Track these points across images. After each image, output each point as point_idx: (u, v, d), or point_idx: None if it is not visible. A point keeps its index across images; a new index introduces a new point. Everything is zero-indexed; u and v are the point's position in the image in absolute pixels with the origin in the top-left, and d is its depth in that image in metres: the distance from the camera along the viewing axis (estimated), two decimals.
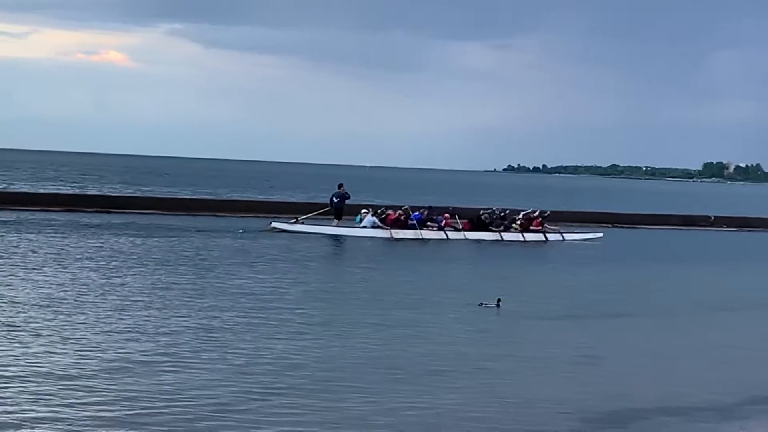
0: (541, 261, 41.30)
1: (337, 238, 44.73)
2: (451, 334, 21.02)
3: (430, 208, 49.90)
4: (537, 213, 51.52)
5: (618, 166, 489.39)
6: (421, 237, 46.28)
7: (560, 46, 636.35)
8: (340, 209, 48.21)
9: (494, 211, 50.28)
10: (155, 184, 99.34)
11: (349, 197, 49.22)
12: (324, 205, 50.93)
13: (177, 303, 22.57)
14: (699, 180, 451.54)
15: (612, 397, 16.07)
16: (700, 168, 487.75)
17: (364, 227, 46.55)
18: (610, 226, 59.63)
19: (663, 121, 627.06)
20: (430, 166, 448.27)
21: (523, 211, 52.50)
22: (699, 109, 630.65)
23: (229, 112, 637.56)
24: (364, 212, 47.66)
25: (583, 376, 17.73)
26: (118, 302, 22.23)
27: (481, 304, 24.85)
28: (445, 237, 47.05)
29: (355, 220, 47.57)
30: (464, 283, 30.54)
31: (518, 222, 50.01)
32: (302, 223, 46.61)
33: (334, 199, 48.98)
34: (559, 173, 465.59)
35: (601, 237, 51.33)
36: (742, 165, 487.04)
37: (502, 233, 48.54)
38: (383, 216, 47.18)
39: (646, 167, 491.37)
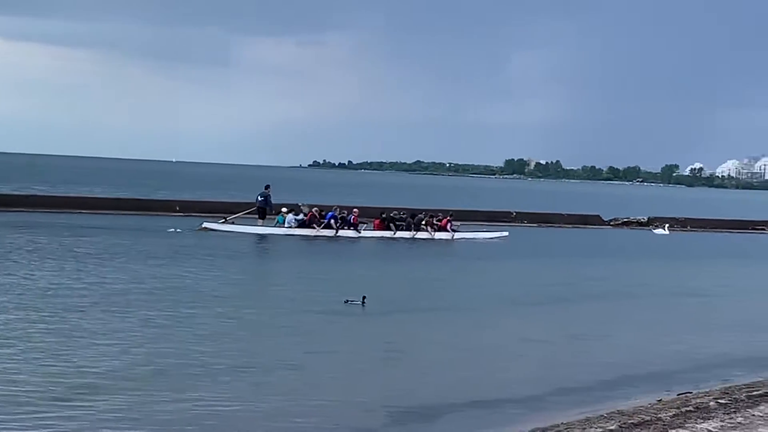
0: (437, 258, 42.21)
1: (261, 237, 46.62)
2: (277, 332, 20.99)
3: (339, 207, 51.81)
4: (440, 215, 53.49)
5: (422, 162, 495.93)
6: (337, 235, 48.52)
7: (369, 43, 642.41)
8: (263, 209, 50.66)
9: (401, 211, 53.33)
10: None
11: (269, 196, 51.34)
12: (251, 205, 52.45)
13: None
14: (501, 176, 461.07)
15: (416, 392, 16.21)
16: (501, 165, 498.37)
17: (289, 226, 48.59)
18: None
19: (466, 119, 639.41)
20: (236, 161, 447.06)
21: (430, 211, 54.62)
22: (501, 107, 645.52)
23: (31, 106, 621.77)
24: (285, 211, 49.72)
25: (392, 371, 17.87)
26: None
27: (347, 301, 25.01)
28: (358, 235, 49.31)
29: (277, 219, 49.42)
30: (347, 280, 30.84)
31: (426, 222, 51.97)
32: (232, 222, 48.63)
33: (258, 198, 51.48)
34: (365, 169, 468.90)
35: (506, 236, 53.93)
36: (542, 162, 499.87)
37: (413, 232, 50.84)
38: (303, 215, 49.47)
39: (450, 164, 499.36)
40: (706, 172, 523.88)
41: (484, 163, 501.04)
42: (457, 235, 52.27)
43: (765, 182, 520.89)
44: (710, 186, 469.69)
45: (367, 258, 41.02)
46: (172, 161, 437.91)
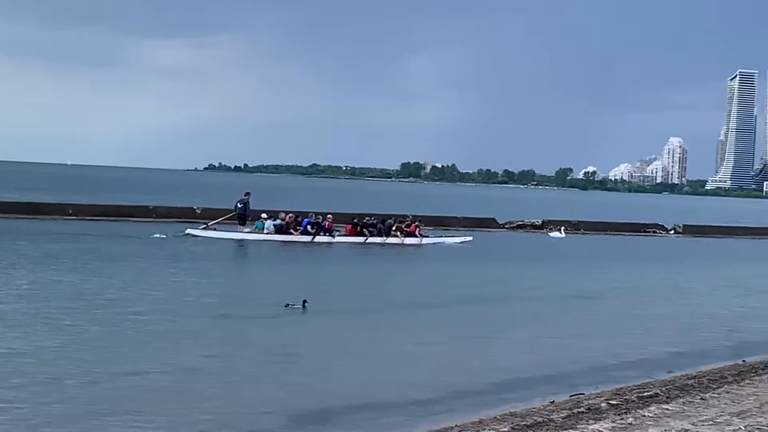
0: (399, 262, 44.24)
1: (241, 242, 48.49)
2: (195, 336, 20.90)
3: (314, 213, 53.88)
4: (410, 220, 56.52)
5: (319, 165, 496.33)
6: (314, 240, 50.49)
7: (262, 45, 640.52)
8: (243, 215, 52.06)
9: (372, 217, 55.99)
10: None
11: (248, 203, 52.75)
12: (230, 212, 53.58)
13: None
14: (397, 180, 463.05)
15: (314, 395, 16.22)
16: (398, 168, 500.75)
17: (268, 232, 50.41)
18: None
19: (362, 122, 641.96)
20: (132, 164, 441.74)
21: (399, 217, 57.31)
22: (397, 110, 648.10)
23: None
24: (265, 217, 51.55)
25: (289, 374, 17.84)
26: None
27: (287, 305, 25.14)
28: (333, 240, 51.23)
29: (256, 225, 51.15)
30: (305, 283, 31.48)
31: (396, 227, 54.17)
32: (213, 229, 50.58)
33: (238, 205, 52.74)
34: (260, 172, 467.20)
35: (471, 240, 55.93)
36: (438, 165, 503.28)
37: (384, 237, 52.90)
38: (282, 221, 51.22)
39: (346, 167, 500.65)
40: (600, 176, 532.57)
41: (381, 167, 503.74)
42: (425, 240, 54.24)
43: (657, 185, 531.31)
44: (603, 189, 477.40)
45: (333, 262, 42.24)
46: (67, 164, 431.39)
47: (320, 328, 23.31)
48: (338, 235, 52.07)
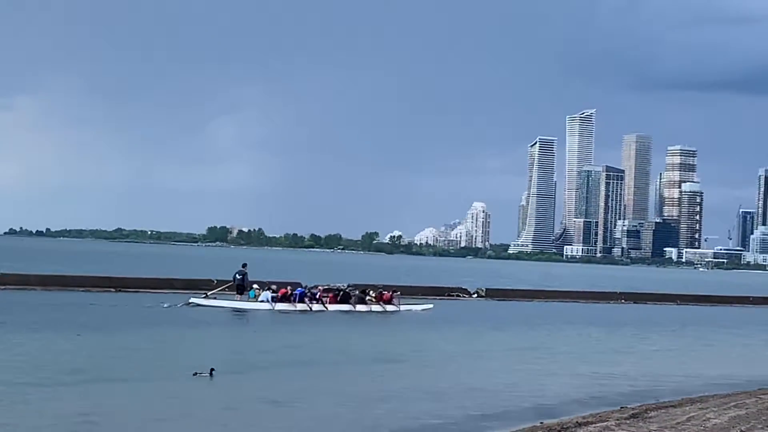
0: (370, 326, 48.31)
1: (240, 311, 51.59)
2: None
3: (307, 286, 57.69)
4: (380, 289, 60.60)
5: (123, 229, 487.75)
6: (308, 309, 53.65)
7: (61, 107, 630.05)
8: (242, 285, 54.70)
9: (349, 287, 60.30)
10: None
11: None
12: (228, 282, 56.98)
13: None
14: (204, 244, 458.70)
15: None
16: (204, 232, 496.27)
17: (262, 302, 53.17)
18: (114, 290, 59.91)
19: (167, 186, 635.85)
20: None
21: (377, 287, 61.58)
22: (202, 174, 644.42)
23: None
24: (257, 287, 54.65)
25: None
26: None
27: (195, 373, 25.40)
28: (324, 309, 54.49)
29: (249, 295, 54.08)
30: (235, 349, 34.18)
31: (373, 295, 58.36)
32: (214, 298, 54.10)
33: (236, 276, 55.45)
34: (64, 237, 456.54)
35: (431, 308, 60.49)
36: (245, 229, 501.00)
37: (368, 305, 57.14)
38: (275, 292, 54.25)
39: (152, 231, 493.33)
40: (405, 240, 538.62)
41: (187, 231, 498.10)
42: (402, 307, 58.61)
43: (461, 249, 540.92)
44: (409, 253, 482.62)
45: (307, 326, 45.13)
46: None
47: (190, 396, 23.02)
48: (328, 303, 55.42)
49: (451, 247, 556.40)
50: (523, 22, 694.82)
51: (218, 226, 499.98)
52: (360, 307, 56.50)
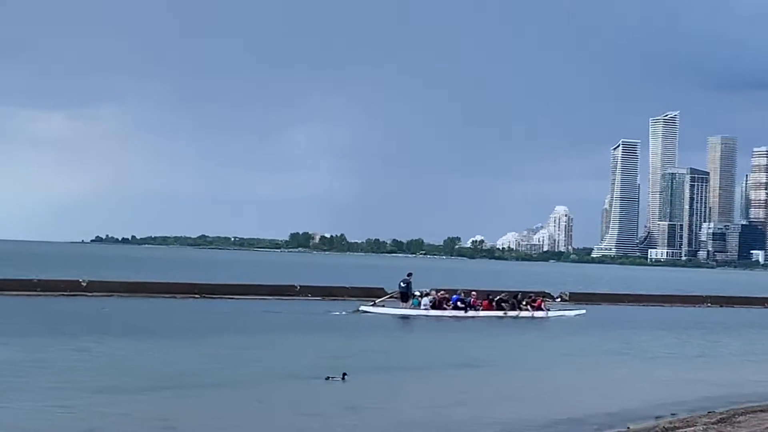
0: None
1: (404, 317, 54.55)
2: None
3: (464, 291, 60.23)
4: (533, 295, 63.40)
5: (207, 236, 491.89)
6: (465, 315, 55.91)
7: (145, 116, 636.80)
8: (406, 293, 57.97)
9: (504, 293, 61.44)
10: None
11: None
12: (393, 291, 60.71)
13: None
14: (286, 250, 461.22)
15: None
16: (287, 238, 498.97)
17: (424, 308, 55.87)
18: (198, 296, 60.36)
19: (249, 192, 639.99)
20: (15, 237, 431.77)
21: (529, 292, 64.37)
22: (284, 181, 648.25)
23: None
24: (418, 295, 57.43)
25: None
26: None
27: (328, 377, 26.21)
28: (478, 314, 56.47)
29: (412, 302, 56.78)
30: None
31: (526, 302, 60.33)
32: (382, 305, 57.66)
33: (401, 284, 58.99)
34: (149, 244, 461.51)
35: (584, 312, 62.57)
36: (327, 235, 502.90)
37: (517, 311, 58.73)
38: (435, 298, 56.92)
39: (235, 237, 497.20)
40: (487, 245, 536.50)
41: (269, 237, 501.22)
42: (551, 313, 60.39)
43: (543, 253, 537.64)
44: (491, 258, 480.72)
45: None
46: None
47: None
48: (481, 309, 57.44)
49: (533, 252, 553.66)
50: (606, 24, 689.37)
51: (300, 232, 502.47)
52: (511, 313, 58.39)
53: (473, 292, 59.94)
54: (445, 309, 56.35)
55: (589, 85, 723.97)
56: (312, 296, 66.72)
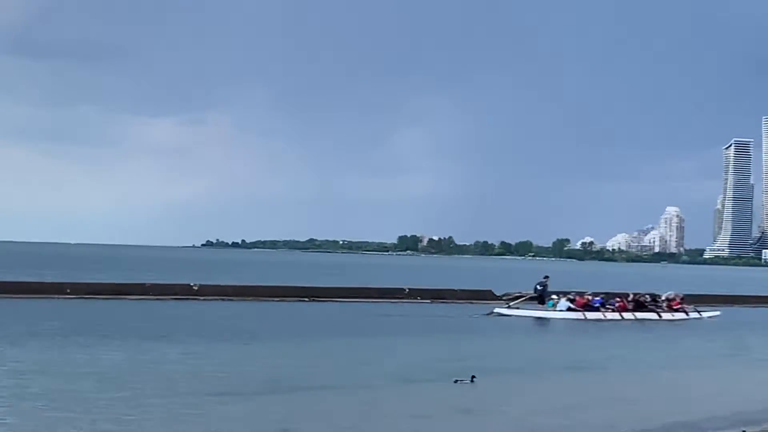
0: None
1: (541, 319, 54.73)
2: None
3: (606, 294, 61.10)
4: (674, 295, 62.49)
5: (316, 240, 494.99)
6: (606, 318, 55.91)
7: (251, 120, 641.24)
8: (542, 296, 58.81)
9: (645, 295, 61.41)
10: None
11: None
12: (528, 293, 60.81)
13: None
14: (394, 253, 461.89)
15: None
16: (395, 241, 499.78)
17: (561, 310, 55.92)
18: (307, 299, 60.78)
19: (356, 195, 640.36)
20: (129, 242, 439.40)
21: (665, 294, 63.01)
22: (391, 184, 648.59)
23: None
24: (555, 298, 57.53)
25: None
26: None
27: (456, 380, 26.30)
28: (620, 318, 56.46)
29: (547, 304, 57.15)
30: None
31: (664, 303, 60.46)
32: (516, 308, 57.78)
33: (537, 287, 59.96)
34: (258, 248, 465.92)
35: (719, 314, 61.36)
36: (435, 238, 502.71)
37: (658, 313, 58.64)
38: (573, 300, 57.17)
39: (343, 241, 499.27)
40: (597, 246, 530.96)
41: (378, 240, 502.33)
42: (691, 314, 59.92)
43: (654, 255, 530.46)
44: (601, 260, 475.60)
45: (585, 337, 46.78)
46: (70, 243, 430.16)
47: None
48: (624, 311, 57.28)
49: (644, 253, 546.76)
50: (715, 22, 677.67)
51: (409, 235, 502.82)
52: (651, 315, 58.00)
53: (618, 297, 59.61)
54: (586, 311, 56.10)
55: (698, 84, 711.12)
56: (421, 299, 66.78)
